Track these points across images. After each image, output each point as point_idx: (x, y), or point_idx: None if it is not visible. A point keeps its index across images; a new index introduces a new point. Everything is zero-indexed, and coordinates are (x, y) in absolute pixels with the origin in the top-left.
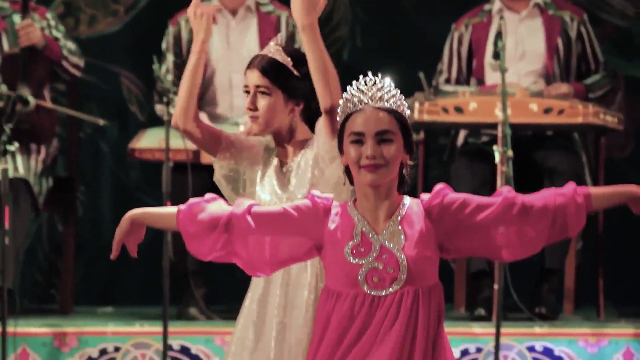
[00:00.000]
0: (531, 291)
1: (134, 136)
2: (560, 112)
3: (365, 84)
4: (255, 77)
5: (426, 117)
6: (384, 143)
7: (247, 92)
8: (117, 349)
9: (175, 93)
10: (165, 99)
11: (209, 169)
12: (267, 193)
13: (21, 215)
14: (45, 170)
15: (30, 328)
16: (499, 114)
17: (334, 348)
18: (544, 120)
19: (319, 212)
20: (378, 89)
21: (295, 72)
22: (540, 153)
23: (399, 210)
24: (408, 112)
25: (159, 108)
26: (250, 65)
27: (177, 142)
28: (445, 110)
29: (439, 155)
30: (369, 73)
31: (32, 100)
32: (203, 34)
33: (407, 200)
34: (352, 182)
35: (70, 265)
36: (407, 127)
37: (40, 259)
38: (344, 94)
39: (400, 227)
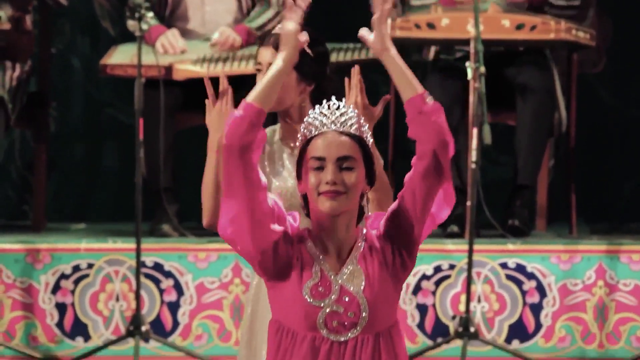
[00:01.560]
0: (504, 207)
1: (106, 52)
2: (533, 28)
3: (329, 107)
4: (269, 55)
5: (398, 33)
6: (346, 170)
7: (259, 70)
8: (90, 266)
9: (147, 9)
10: (137, 15)
11: (181, 85)
12: (277, 179)
13: None
14: (19, 87)
15: (3, 244)
16: (471, 30)
17: None
18: (516, 36)
19: (293, 237)
20: (341, 114)
21: (310, 53)
22: (512, 69)
23: (357, 246)
24: (371, 140)
25: (131, 24)
26: (264, 42)
27: (149, 57)
28: (418, 27)
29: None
30: (333, 97)
31: (2, 16)
32: (220, 131)
33: (364, 231)
34: (308, 214)
35: (43, 182)
36: (369, 156)
37: (12, 175)
38: (306, 118)
39: (359, 267)
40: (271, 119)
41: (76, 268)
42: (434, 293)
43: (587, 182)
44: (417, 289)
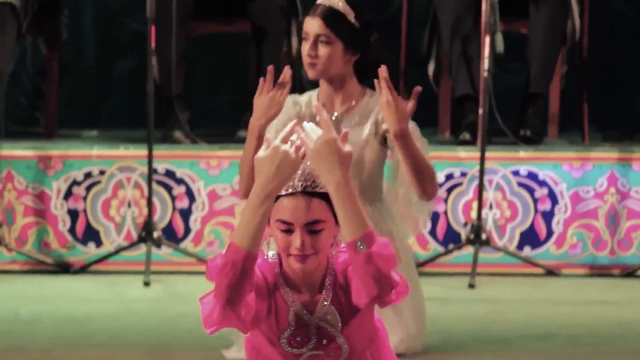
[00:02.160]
0: (516, 115)
1: None
2: None
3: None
4: (316, 26)
5: None
6: (314, 234)
7: (304, 38)
8: (102, 172)
9: None
10: None
11: None
12: None
13: (7, 38)
14: None
15: (15, 151)
16: None
17: None
18: None
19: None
20: (310, 171)
21: (356, 23)
22: None
23: (327, 282)
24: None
25: None
26: (311, 13)
27: None
28: None
29: None
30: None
31: None
32: (264, 118)
33: (332, 260)
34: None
35: (55, 89)
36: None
37: (24, 82)
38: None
39: (332, 307)
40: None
41: (88, 175)
42: (445, 200)
43: (600, 89)
44: None
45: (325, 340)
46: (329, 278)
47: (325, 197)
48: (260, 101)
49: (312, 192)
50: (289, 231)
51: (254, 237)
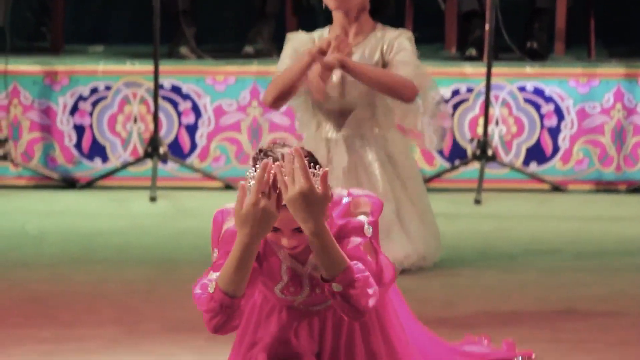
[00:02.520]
0: (522, 31)
1: None
2: None
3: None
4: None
5: None
6: (301, 232)
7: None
8: (108, 88)
9: None
10: None
11: None
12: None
13: None
14: None
15: (21, 66)
16: None
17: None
18: None
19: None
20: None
21: None
22: None
23: None
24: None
25: None
26: None
27: None
28: None
29: None
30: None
31: None
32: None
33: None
34: None
35: (61, 4)
36: None
37: None
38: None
39: None
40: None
41: (94, 90)
42: (452, 116)
43: (607, 4)
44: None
45: (318, 289)
46: None
47: None
48: (311, 50)
49: None
50: (278, 230)
51: (240, 285)
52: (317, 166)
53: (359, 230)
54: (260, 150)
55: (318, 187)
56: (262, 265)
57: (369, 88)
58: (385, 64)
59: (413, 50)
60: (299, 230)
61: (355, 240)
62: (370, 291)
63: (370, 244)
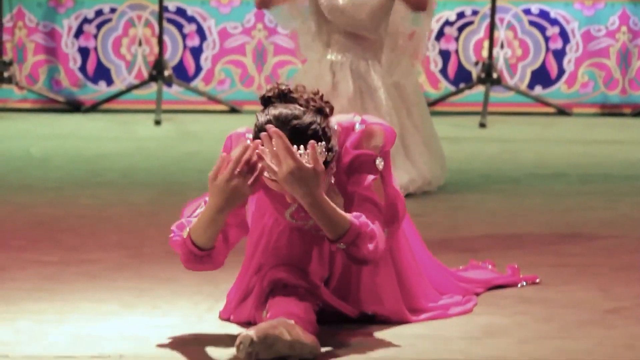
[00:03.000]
0: None
1: None
2: None
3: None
4: None
5: None
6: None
7: None
8: (112, 10)
9: None
10: None
11: None
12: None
13: None
14: None
15: None
16: None
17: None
18: None
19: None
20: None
21: None
22: None
23: (333, 164)
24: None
25: None
26: None
27: None
28: None
29: None
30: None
31: None
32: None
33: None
34: None
35: None
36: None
37: None
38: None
39: (336, 187)
40: None
41: (99, 12)
42: (456, 39)
43: None
44: (439, 35)
45: None
46: (332, 162)
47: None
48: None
49: None
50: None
51: (210, 240)
52: (303, 146)
53: (370, 165)
54: (256, 125)
55: (308, 162)
56: (272, 191)
57: (377, 9)
58: None
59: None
60: None
61: (366, 178)
62: (372, 245)
63: (381, 181)
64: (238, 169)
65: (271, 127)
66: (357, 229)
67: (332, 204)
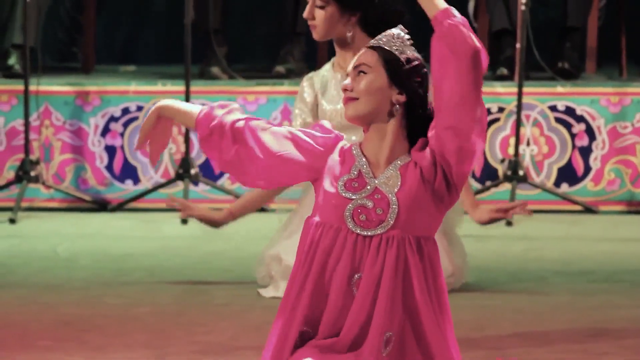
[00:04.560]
0: (553, 50)
1: None
2: None
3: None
4: None
5: None
6: (358, 75)
7: (307, 1)
8: (139, 108)
9: None
10: None
11: None
12: (328, 103)
13: None
14: None
15: (53, 86)
16: None
17: (316, 281)
18: None
19: (323, 148)
20: (383, 35)
21: None
22: None
23: (402, 157)
24: (408, 53)
25: None
26: None
27: None
28: None
29: None
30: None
31: None
32: None
33: (417, 150)
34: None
35: (92, 23)
36: (395, 63)
37: (62, 16)
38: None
39: (398, 173)
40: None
41: (125, 110)
42: None
43: (638, 23)
44: None
45: (378, 195)
46: (405, 155)
47: (377, 49)
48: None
49: (368, 46)
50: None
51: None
52: None
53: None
54: None
55: None
56: (336, 161)
57: None
58: None
59: None
60: (358, 72)
61: None
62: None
63: None
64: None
65: None
66: (453, 11)
67: None
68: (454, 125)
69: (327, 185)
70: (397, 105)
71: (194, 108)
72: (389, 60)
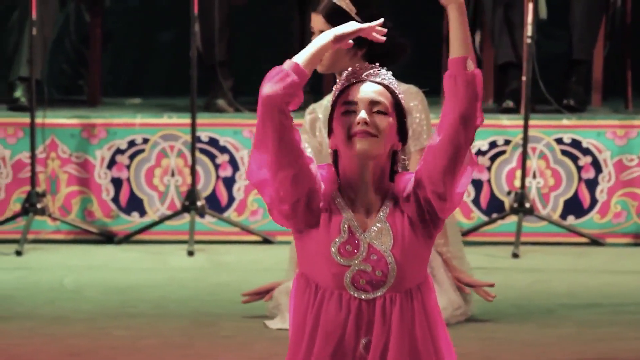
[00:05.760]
0: (559, 82)
1: None
2: None
3: (364, 65)
4: (319, 22)
5: None
6: (377, 114)
7: (312, 32)
8: (145, 141)
9: None
10: None
11: None
12: None
13: (50, 5)
14: None
15: (59, 119)
16: None
17: (322, 349)
18: None
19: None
20: (377, 70)
21: (359, 19)
22: None
23: (385, 204)
24: (404, 101)
25: None
26: (315, 9)
27: None
28: None
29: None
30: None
31: None
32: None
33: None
34: (338, 172)
35: (98, 56)
36: (401, 110)
37: (67, 49)
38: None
39: (388, 225)
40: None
41: (131, 143)
42: (489, 169)
43: None
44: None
45: (374, 256)
46: (387, 200)
47: (389, 89)
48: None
49: (377, 82)
50: (352, 112)
51: (311, 63)
52: None
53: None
54: None
55: None
56: (324, 217)
57: None
58: None
59: (424, 109)
60: (376, 110)
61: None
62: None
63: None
64: None
65: None
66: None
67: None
68: (439, 191)
69: (317, 245)
70: (394, 150)
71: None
72: (399, 107)
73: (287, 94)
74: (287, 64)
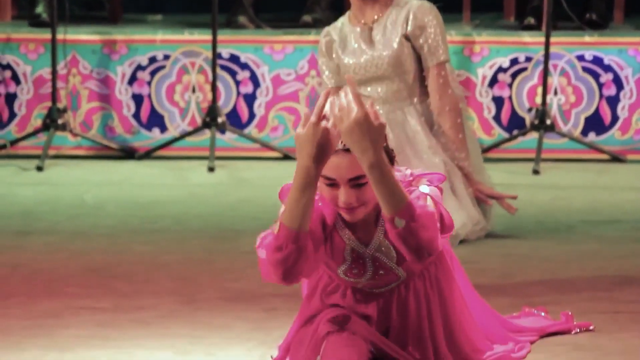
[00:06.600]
0: (581, 0)
1: None
2: None
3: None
4: None
5: None
6: (358, 187)
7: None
8: (166, 57)
9: None
10: None
11: None
12: (350, 57)
13: None
14: None
15: (80, 35)
16: None
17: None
18: None
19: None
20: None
21: None
22: None
23: (381, 220)
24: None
25: None
26: None
27: None
28: None
29: None
30: None
31: None
32: None
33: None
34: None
35: None
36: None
37: None
38: None
39: (386, 241)
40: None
41: (152, 59)
42: (510, 85)
43: None
44: (493, 82)
45: (382, 271)
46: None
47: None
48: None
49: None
50: (334, 185)
51: (303, 217)
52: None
53: (420, 196)
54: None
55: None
56: (326, 247)
57: (396, 56)
58: (407, 37)
59: (439, 23)
60: (356, 184)
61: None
62: (433, 228)
63: (431, 198)
64: (323, 115)
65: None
66: (414, 206)
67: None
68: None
69: (327, 265)
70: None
71: None
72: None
73: (286, 271)
74: (277, 233)
